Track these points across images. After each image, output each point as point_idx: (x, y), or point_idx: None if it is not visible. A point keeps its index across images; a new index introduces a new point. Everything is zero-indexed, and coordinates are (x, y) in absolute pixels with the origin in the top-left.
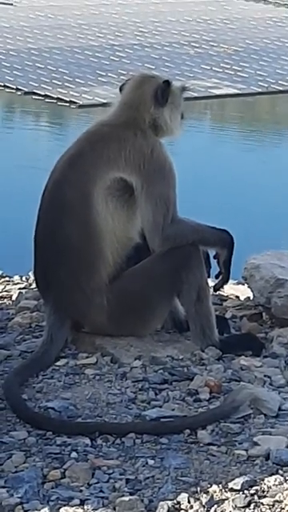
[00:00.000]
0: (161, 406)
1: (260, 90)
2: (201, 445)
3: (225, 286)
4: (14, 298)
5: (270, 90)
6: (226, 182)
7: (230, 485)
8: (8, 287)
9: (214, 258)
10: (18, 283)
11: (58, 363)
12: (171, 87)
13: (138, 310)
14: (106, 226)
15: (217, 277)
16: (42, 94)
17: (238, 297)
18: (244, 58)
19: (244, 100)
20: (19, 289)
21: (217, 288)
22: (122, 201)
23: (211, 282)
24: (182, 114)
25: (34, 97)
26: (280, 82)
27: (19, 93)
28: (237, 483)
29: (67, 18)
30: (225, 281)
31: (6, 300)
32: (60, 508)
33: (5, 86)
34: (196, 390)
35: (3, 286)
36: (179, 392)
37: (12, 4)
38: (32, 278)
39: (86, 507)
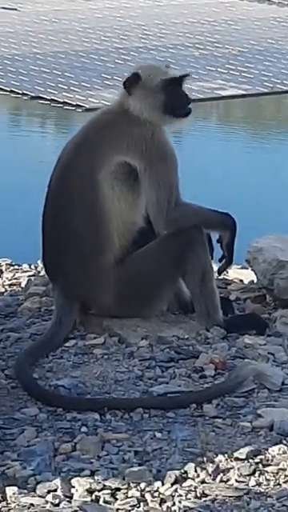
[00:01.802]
0: (167, 383)
1: (265, 90)
2: (207, 418)
3: (229, 271)
4: (23, 284)
5: (275, 90)
6: (230, 177)
7: (236, 454)
8: (17, 275)
9: (218, 241)
10: (26, 271)
11: (67, 344)
12: (141, 79)
13: (143, 291)
14: (113, 209)
15: (220, 260)
16: (48, 98)
17: (242, 280)
18: (249, 59)
19: (249, 100)
20: (28, 276)
21: (221, 271)
22: (128, 185)
23: (215, 266)
24: (167, 104)
25: (40, 101)
26: (285, 81)
27: (25, 98)
28: (242, 453)
29: (72, 22)
30: (228, 263)
31: (15, 287)
32: (71, 479)
33: (11, 91)
34: (201, 368)
35: (12, 274)
36: (185, 369)
37: (16, 9)
38: (40, 265)
39: (96, 477)
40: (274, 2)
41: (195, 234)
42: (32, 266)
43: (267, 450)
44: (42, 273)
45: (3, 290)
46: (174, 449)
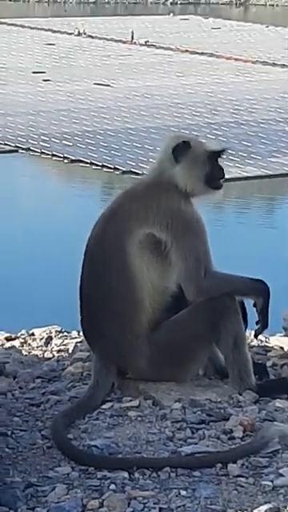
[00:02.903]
0: (196, 443)
1: None
2: (230, 477)
3: (270, 338)
4: (70, 350)
5: None
6: None
7: None
8: (66, 341)
9: (254, 306)
10: (75, 338)
11: (103, 406)
12: (190, 147)
13: (177, 357)
14: (143, 276)
15: (257, 323)
16: (140, 173)
17: (282, 347)
18: None
19: None
20: (76, 342)
21: (257, 334)
22: (156, 254)
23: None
24: (210, 176)
25: (131, 176)
26: None
27: (117, 172)
28: (261, 510)
29: (164, 97)
30: (263, 327)
31: (62, 353)
32: None
33: (103, 165)
34: (231, 429)
35: (61, 341)
36: (215, 431)
37: (109, 85)
38: None
39: None
40: None
41: (227, 302)
42: (81, 333)
43: (286, 507)
44: None
45: (51, 355)
46: (196, 506)
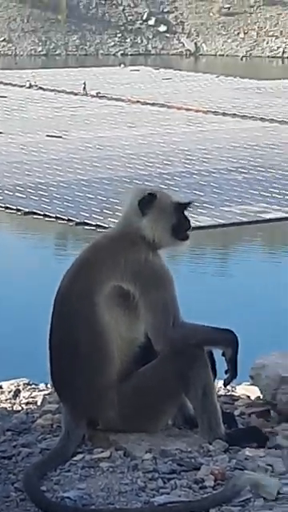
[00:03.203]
0: (169, 493)
1: None
2: None
3: (237, 387)
4: (39, 403)
5: None
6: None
7: None
8: (34, 393)
9: (223, 355)
10: (43, 390)
11: (75, 458)
12: (156, 199)
13: (146, 408)
14: (111, 328)
15: (226, 373)
16: (94, 224)
17: (249, 396)
18: None
19: None
20: (44, 395)
21: (225, 383)
22: (124, 306)
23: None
24: (176, 227)
25: (85, 227)
26: None
27: (71, 224)
28: None
29: (116, 148)
30: (232, 376)
31: (31, 405)
32: None
33: (56, 217)
34: (202, 479)
35: (30, 393)
36: (186, 480)
37: (61, 137)
38: None
39: None
40: None
41: (196, 352)
42: (48, 385)
43: None
44: None
45: (20, 408)
46: None
